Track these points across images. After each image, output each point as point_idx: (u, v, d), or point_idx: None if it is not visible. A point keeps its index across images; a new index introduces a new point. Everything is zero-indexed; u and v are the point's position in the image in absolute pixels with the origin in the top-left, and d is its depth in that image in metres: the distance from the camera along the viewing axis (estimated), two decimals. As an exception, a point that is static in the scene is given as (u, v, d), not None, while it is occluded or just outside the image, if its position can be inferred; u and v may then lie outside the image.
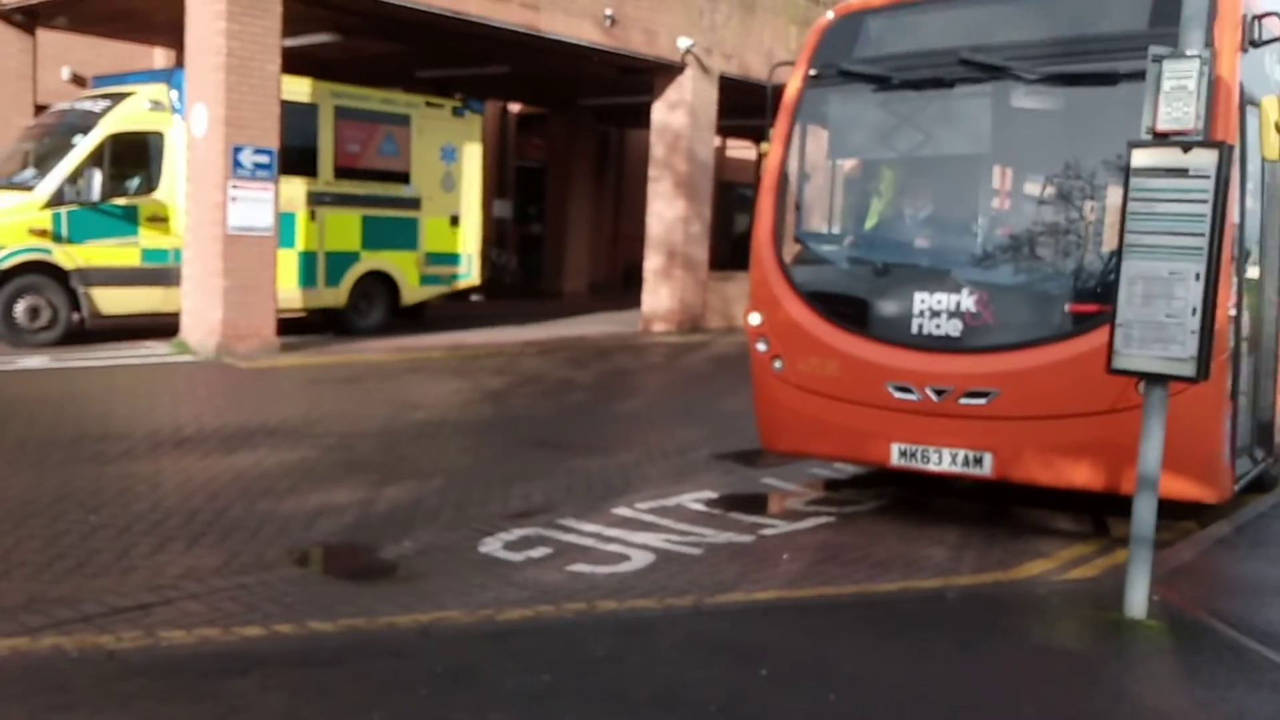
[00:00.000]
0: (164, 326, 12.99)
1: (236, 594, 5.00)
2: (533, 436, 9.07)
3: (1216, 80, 5.60)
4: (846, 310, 6.75)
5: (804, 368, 6.81)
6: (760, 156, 7.30)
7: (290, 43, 13.08)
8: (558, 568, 5.61)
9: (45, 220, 12.24)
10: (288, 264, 13.61)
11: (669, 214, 17.54)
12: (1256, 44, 6.00)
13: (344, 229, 14.55)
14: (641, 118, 18.86)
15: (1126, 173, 4.86)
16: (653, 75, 17.42)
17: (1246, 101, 6.08)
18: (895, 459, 6.55)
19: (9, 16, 14.89)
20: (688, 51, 17.04)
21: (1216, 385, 5.73)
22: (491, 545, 5.94)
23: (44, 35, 15.99)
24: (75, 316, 12.60)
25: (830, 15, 7.25)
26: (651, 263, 17.77)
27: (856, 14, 7.12)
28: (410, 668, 4.19)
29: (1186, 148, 4.72)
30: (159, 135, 13.10)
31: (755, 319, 7.07)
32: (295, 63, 13.54)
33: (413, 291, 15.56)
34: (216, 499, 6.58)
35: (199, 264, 12.36)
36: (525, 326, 16.85)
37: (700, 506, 7.00)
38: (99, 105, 13.23)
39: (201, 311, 12.34)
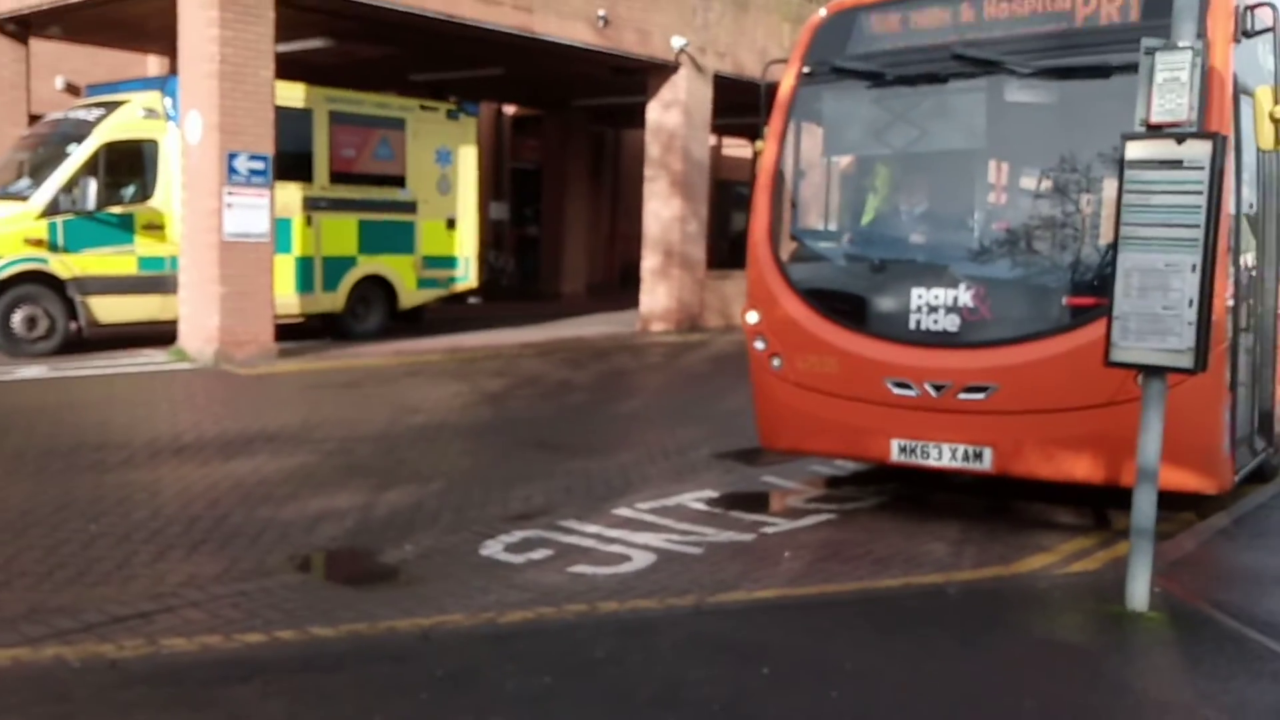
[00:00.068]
0: (161, 334, 12.98)
1: (237, 601, 5.00)
2: (532, 438, 9.06)
3: (1210, 71, 5.60)
4: (844, 307, 6.75)
5: (802, 365, 6.81)
6: (755, 154, 7.30)
7: (283, 48, 13.07)
8: (559, 569, 5.60)
9: (41, 230, 12.23)
10: (284, 269, 13.60)
11: (665, 213, 17.54)
12: (1249, 34, 5.99)
13: (340, 234, 14.55)
14: (636, 118, 18.86)
15: (1121, 165, 4.86)
16: (647, 75, 17.42)
17: (1240, 92, 6.08)
18: (895, 455, 6.55)
19: (2, 26, 14.89)
20: (681, 51, 17.04)
21: (1215, 376, 5.73)
22: (492, 548, 5.94)
23: (37, 45, 15.98)
24: (72, 326, 12.60)
25: (823, 12, 7.25)
26: (649, 262, 17.77)
27: (849, 10, 7.12)
28: (411, 672, 4.18)
29: (1180, 139, 4.72)
30: (153, 143, 13.09)
31: (753, 317, 7.07)
32: (289, 68, 13.53)
33: (410, 295, 15.55)
34: (216, 506, 6.58)
35: (195, 271, 12.35)
36: (523, 328, 16.85)
37: (701, 506, 7.00)
38: (93, 114, 13.22)
39: (199, 319, 12.33)
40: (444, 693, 4.02)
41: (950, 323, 6.34)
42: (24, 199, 12.38)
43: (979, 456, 6.31)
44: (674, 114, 17.38)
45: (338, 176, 14.50)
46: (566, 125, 23.83)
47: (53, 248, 12.29)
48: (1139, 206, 4.80)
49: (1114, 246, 4.95)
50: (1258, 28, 5.99)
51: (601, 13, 15.79)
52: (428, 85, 18.72)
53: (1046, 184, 6.62)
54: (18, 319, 12.15)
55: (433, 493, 7.09)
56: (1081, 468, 6.12)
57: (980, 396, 6.24)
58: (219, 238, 12.02)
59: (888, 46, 6.89)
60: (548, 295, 23.29)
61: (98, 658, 4.23)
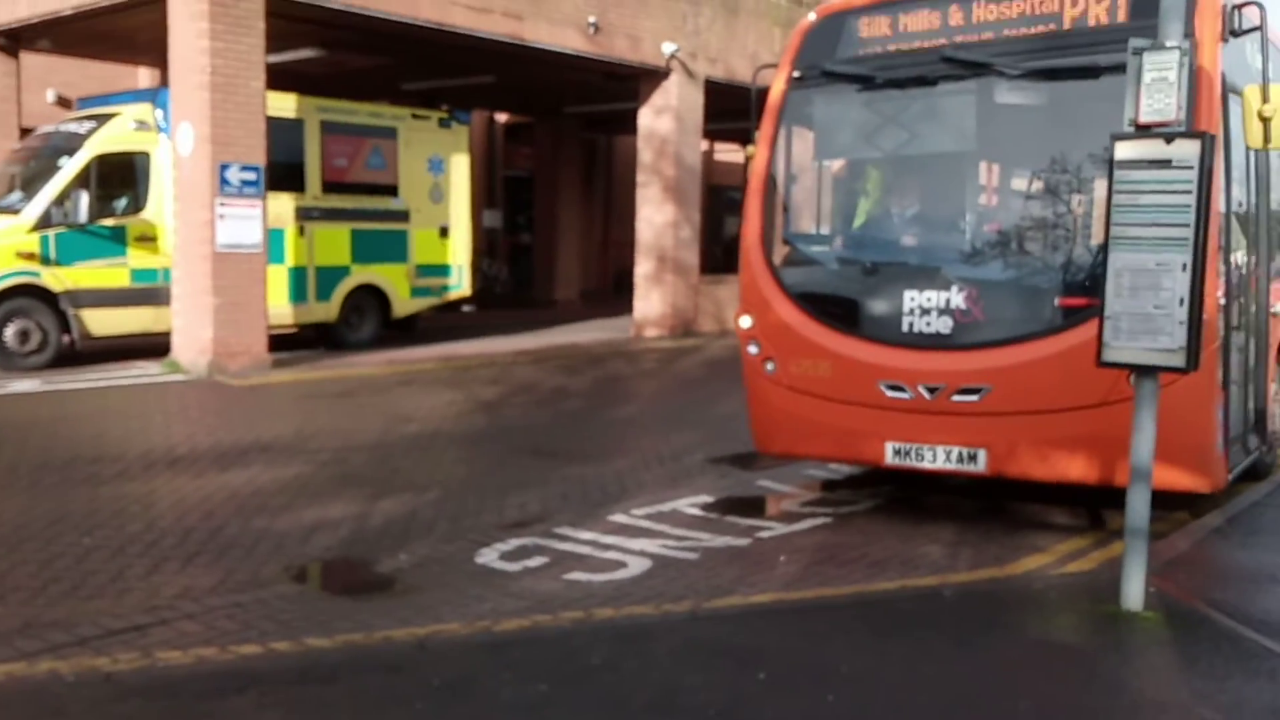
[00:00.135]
0: (155, 346, 12.96)
1: (233, 612, 4.99)
2: (527, 445, 9.06)
3: (1198, 70, 5.62)
4: (837, 310, 6.76)
5: (796, 369, 6.81)
6: (747, 159, 7.31)
7: (274, 59, 13.09)
8: (554, 576, 5.60)
9: (33, 243, 12.21)
10: (277, 280, 13.59)
11: (658, 219, 17.55)
12: (1236, 34, 6.02)
13: (333, 243, 14.54)
14: (628, 124, 18.88)
15: (1110, 165, 4.87)
16: (638, 81, 17.44)
17: (1228, 91, 6.10)
18: (889, 458, 6.55)
19: (-8, 40, 14.90)
20: (672, 56, 17.07)
21: (1207, 375, 5.75)
22: (488, 556, 5.93)
23: (28, 58, 15.98)
24: (65, 339, 12.58)
25: (812, 16, 7.26)
26: (642, 268, 17.78)
27: (838, 14, 7.13)
28: (407, 682, 4.17)
29: (1169, 139, 4.73)
30: (145, 155, 13.09)
31: (746, 322, 7.07)
32: (280, 78, 13.54)
33: (404, 304, 15.55)
34: (211, 517, 6.57)
35: (188, 283, 12.34)
36: (517, 336, 16.85)
37: (696, 511, 6.99)
38: (84, 127, 13.22)
39: (192, 330, 12.32)
40: (440, 702, 4.01)
41: (943, 325, 6.35)
42: (16, 212, 12.36)
43: (973, 458, 6.31)
44: (666, 120, 17.41)
45: (330, 186, 14.50)
46: (558, 132, 23.86)
47: (45, 261, 12.28)
48: (1129, 206, 4.81)
49: (1105, 247, 4.96)
50: (1245, 27, 6.01)
51: (592, 19, 15.82)
52: (419, 94, 18.76)
53: (1037, 185, 6.64)
54: (10, 333, 12.13)
55: (428, 501, 7.08)
56: (1076, 468, 6.13)
57: (974, 398, 6.24)
58: (212, 249, 12.02)
59: (877, 50, 6.90)
60: (541, 302, 23.30)
61: (92, 671, 4.22)
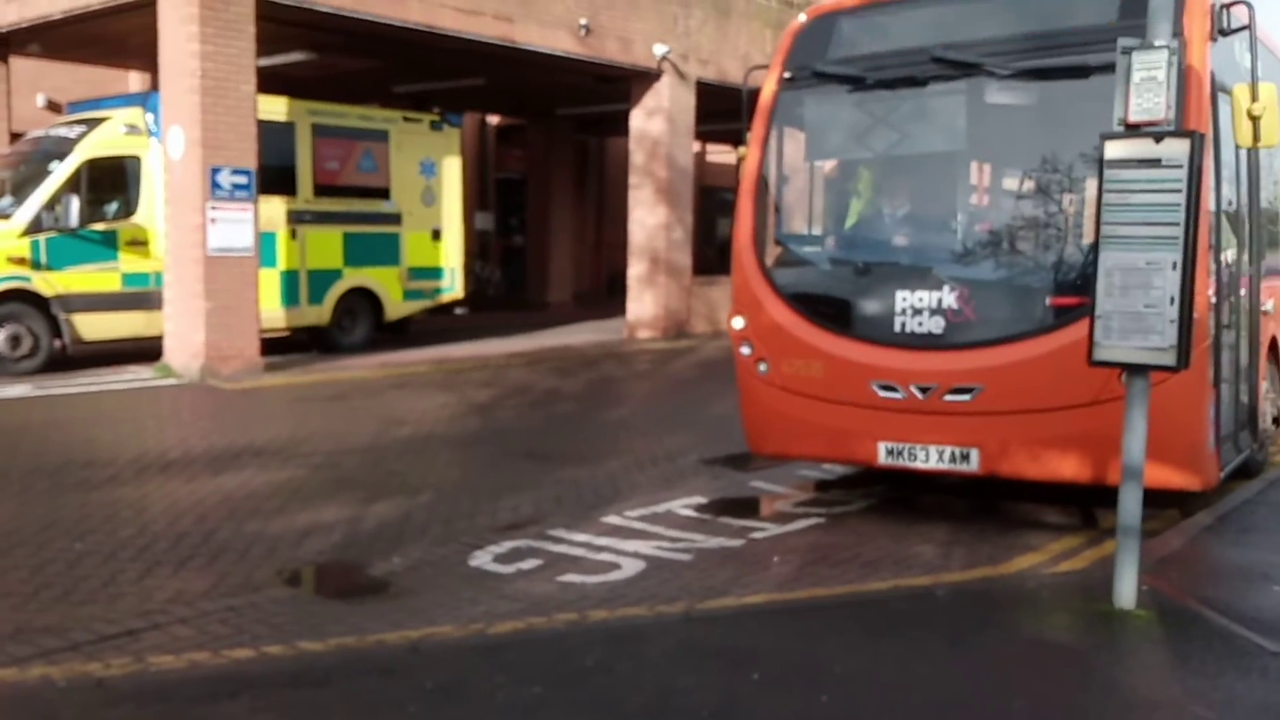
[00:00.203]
0: (147, 351, 12.93)
1: (225, 616, 4.97)
2: (521, 448, 9.05)
3: (1187, 69, 5.62)
4: (829, 311, 6.77)
5: (788, 370, 6.81)
6: (739, 160, 7.32)
7: (265, 62, 13.06)
8: (548, 578, 5.59)
9: (23, 248, 12.19)
10: (270, 283, 13.58)
11: (651, 221, 17.56)
12: (1225, 33, 6.03)
13: (325, 247, 14.53)
14: (620, 126, 18.90)
15: (1100, 164, 4.87)
16: (629, 83, 17.45)
17: (1218, 90, 6.11)
18: (882, 458, 6.56)
19: (-19, 45, 14.86)
20: (664, 58, 17.07)
21: (1198, 374, 5.75)
22: (481, 558, 5.92)
23: (17, 62, 15.94)
24: (57, 343, 12.55)
25: (803, 17, 7.27)
26: (635, 270, 17.79)
27: (829, 15, 7.15)
28: (401, 685, 4.17)
29: (1158, 138, 4.74)
30: (136, 159, 13.07)
31: (738, 323, 7.08)
32: (271, 82, 13.51)
33: (396, 307, 15.54)
34: (204, 521, 6.55)
35: (180, 287, 12.32)
36: (510, 338, 16.84)
37: (690, 512, 6.99)
38: (74, 131, 13.20)
39: (184, 334, 12.30)
40: (434, 705, 4.01)
41: (935, 325, 6.35)
42: (6, 217, 12.34)
43: (966, 458, 6.32)
44: (657, 121, 17.41)
45: (322, 189, 14.49)
46: (550, 134, 23.86)
47: (36, 266, 12.25)
48: (1119, 206, 4.82)
49: (1095, 246, 4.97)
50: (1233, 26, 6.03)
51: (583, 21, 15.82)
52: (411, 97, 18.75)
53: (1028, 185, 6.65)
54: (1, 338, 12.12)
55: (421, 504, 7.07)
56: (1068, 467, 6.14)
57: (966, 398, 6.25)
58: (203, 253, 12.00)
59: (868, 50, 6.91)
60: (534, 305, 23.30)
61: (84, 677, 4.20)
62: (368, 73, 17.40)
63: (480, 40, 14.67)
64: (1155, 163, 4.74)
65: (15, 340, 12.21)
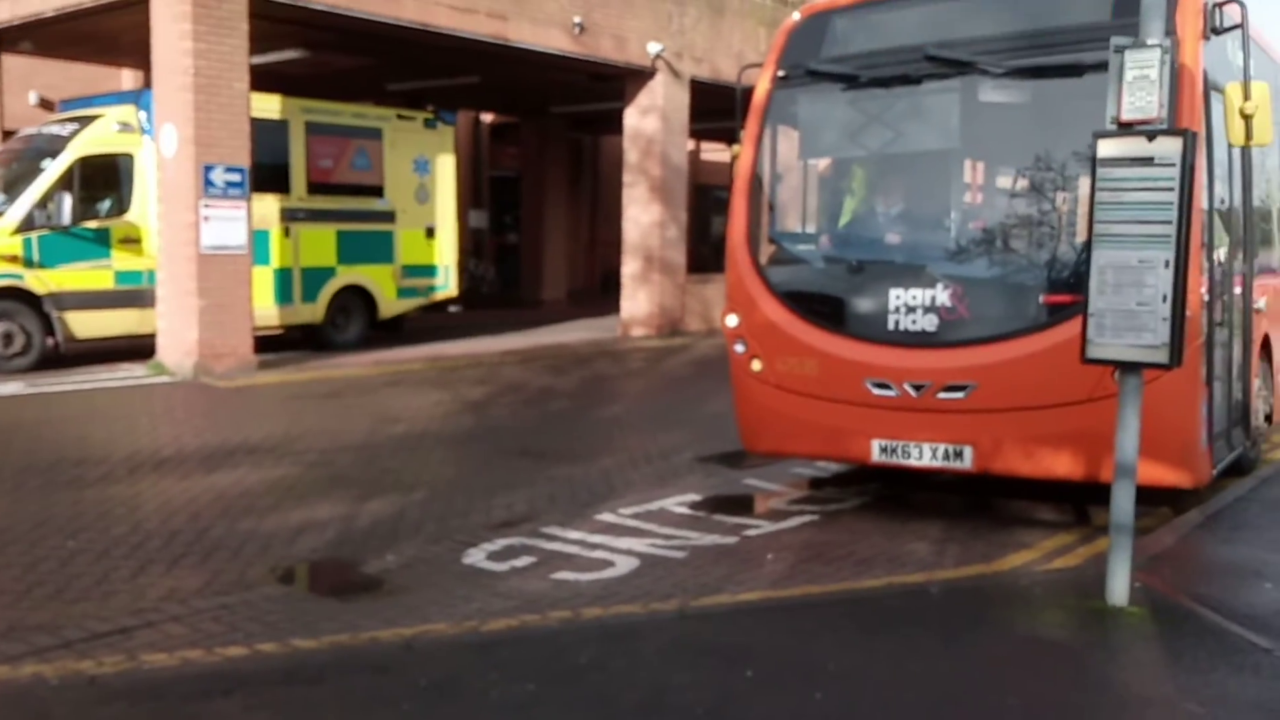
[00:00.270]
0: (140, 349, 12.90)
1: (219, 614, 4.97)
2: (515, 445, 9.05)
3: (1180, 68, 5.64)
4: (823, 309, 6.77)
5: (782, 367, 6.82)
6: (733, 159, 7.32)
7: (258, 60, 13.04)
8: (542, 576, 5.59)
9: (16, 246, 12.15)
10: (263, 281, 13.55)
11: (645, 219, 17.56)
12: (1218, 31, 6.05)
13: (319, 244, 14.50)
14: (614, 124, 18.88)
15: (1093, 163, 4.88)
16: (624, 81, 17.44)
17: (1211, 88, 6.13)
18: (876, 455, 6.56)
19: (-27, 42, 14.81)
20: (658, 56, 17.07)
21: (1190, 371, 5.77)
22: (475, 556, 5.92)
23: (10, 60, 15.89)
24: (50, 341, 12.51)
25: (796, 16, 7.27)
26: (629, 268, 17.79)
27: (823, 14, 7.15)
28: (394, 682, 4.16)
29: (1151, 136, 4.75)
30: (129, 157, 13.03)
31: (732, 320, 7.08)
32: (264, 80, 13.49)
33: (390, 305, 15.52)
34: (197, 519, 6.54)
35: (173, 285, 12.29)
36: (504, 336, 16.83)
37: (684, 510, 6.99)
38: (67, 129, 13.16)
39: (177, 332, 12.27)
40: (427, 703, 4.00)
41: (928, 322, 6.36)
42: (-1, 215, 12.30)
43: (959, 455, 6.33)
44: (651, 119, 17.41)
45: (315, 187, 14.46)
46: (544, 132, 23.84)
47: (28, 264, 12.21)
48: (1112, 204, 4.83)
49: (1088, 244, 4.98)
50: (1226, 25, 6.04)
51: (577, 19, 15.81)
52: (404, 95, 18.73)
53: (1021, 183, 6.67)
54: (-7, 336, 12.08)
55: (415, 502, 7.07)
56: (1061, 464, 6.15)
57: (959, 395, 6.26)
58: (196, 250, 11.97)
59: (861, 48, 6.92)
60: (528, 302, 23.28)
61: (77, 674, 4.20)
62: (361, 70, 17.38)
63: (474, 38, 14.65)
64: (1148, 161, 4.75)
65: (8, 338, 12.17)
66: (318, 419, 10.15)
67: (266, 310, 13.71)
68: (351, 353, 14.40)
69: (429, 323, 17.18)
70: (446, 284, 16.17)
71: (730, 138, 7.48)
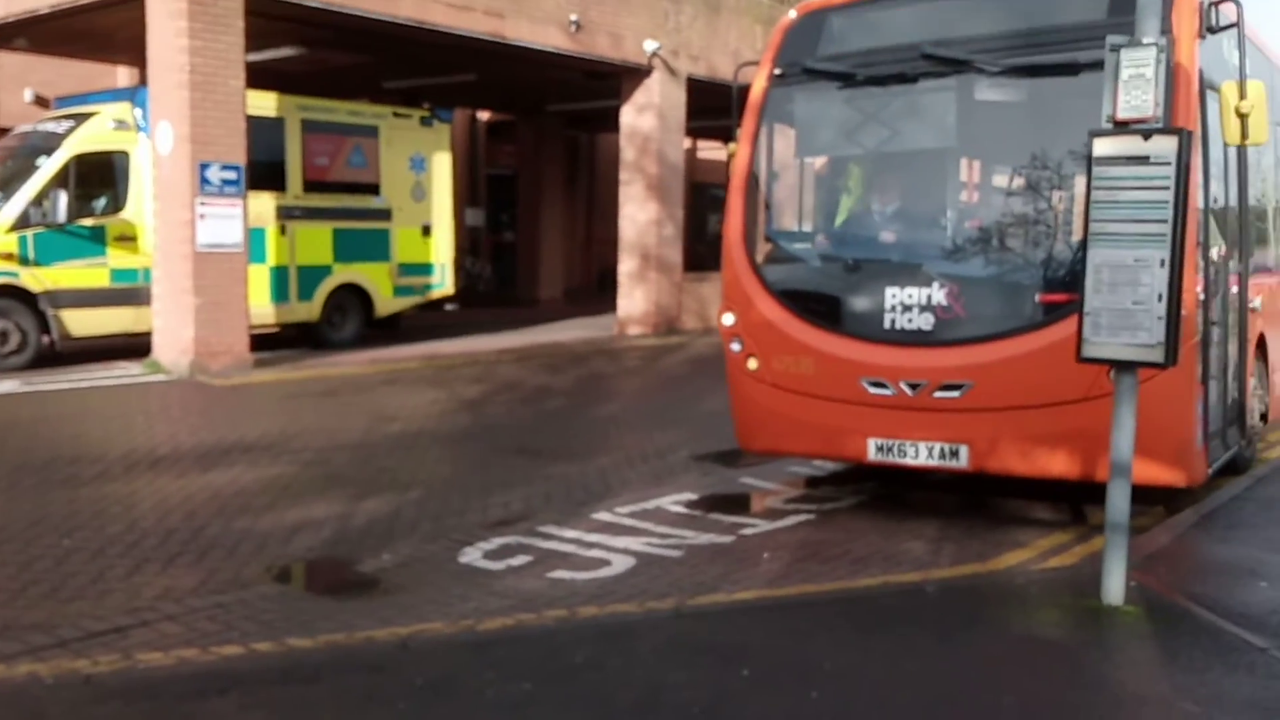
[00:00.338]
0: (136, 347, 12.89)
1: (214, 613, 4.96)
2: (511, 444, 9.05)
3: (1176, 67, 5.65)
4: (819, 307, 6.77)
5: (778, 366, 6.82)
6: (729, 157, 7.32)
7: (254, 57, 13.02)
8: (538, 575, 5.59)
9: (11, 243, 12.13)
10: (259, 279, 13.54)
11: (641, 217, 17.55)
12: (1214, 30, 6.05)
13: (315, 242, 14.49)
14: (610, 122, 18.88)
15: (1089, 161, 4.89)
16: (620, 79, 17.43)
17: (1206, 87, 6.13)
18: (872, 454, 6.57)
19: (-32, 39, 14.78)
20: (654, 54, 17.06)
21: (1186, 370, 5.78)
22: (471, 555, 5.92)
23: (5, 57, 15.87)
24: (45, 339, 12.50)
25: (793, 14, 7.27)
26: (625, 266, 17.78)
27: (819, 12, 7.15)
28: (390, 681, 4.16)
29: (1147, 135, 4.75)
30: (124, 154, 13.01)
31: (728, 319, 7.08)
32: (260, 77, 13.47)
33: (386, 303, 15.51)
34: (193, 518, 6.53)
35: (169, 282, 12.28)
36: (500, 334, 16.83)
37: (680, 508, 6.99)
38: (62, 126, 13.13)
39: (173, 330, 12.26)
40: (423, 702, 4.00)
41: (924, 321, 6.36)
42: (-7, 213, 12.28)
43: (955, 454, 6.33)
44: (648, 117, 17.40)
45: (311, 185, 14.45)
46: (541, 130, 23.82)
47: (23, 261, 12.19)
48: (1107, 203, 4.83)
49: (1084, 243, 4.98)
50: (1222, 24, 6.04)
51: (574, 17, 15.80)
52: (401, 92, 18.70)
53: (1017, 182, 6.67)
54: (-11, 334, 12.06)
55: (411, 501, 7.07)
56: (1057, 463, 6.16)
57: (955, 394, 6.26)
58: (192, 248, 11.96)
59: (858, 47, 6.91)
60: (525, 301, 23.27)
61: (72, 673, 4.19)
62: (358, 68, 17.36)
63: (471, 36, 14.64)
64: (1143, 160, 4.75)
65: (3, 336, 12.15)
66: (314, 417, 10.14)
67: (262, 308, 13.69)
68: (348, 351, 14.38)
69: (425, 321, 17.17)
70: (443, 282, 16.16)
71: (727, 136, 7.48)
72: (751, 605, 5.19)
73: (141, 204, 12.92)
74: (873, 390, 6.46)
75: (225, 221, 12.18)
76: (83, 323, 12.65)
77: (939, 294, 6.34)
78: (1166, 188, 4.70)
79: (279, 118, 14.07)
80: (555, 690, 4.09)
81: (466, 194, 23.31)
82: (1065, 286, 6.04)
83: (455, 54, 15.75)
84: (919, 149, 7.11)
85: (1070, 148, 6.18)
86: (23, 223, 12.22)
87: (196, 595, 5.21)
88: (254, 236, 13.10)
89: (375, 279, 15.23)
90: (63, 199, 12.38)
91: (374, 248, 15.17)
